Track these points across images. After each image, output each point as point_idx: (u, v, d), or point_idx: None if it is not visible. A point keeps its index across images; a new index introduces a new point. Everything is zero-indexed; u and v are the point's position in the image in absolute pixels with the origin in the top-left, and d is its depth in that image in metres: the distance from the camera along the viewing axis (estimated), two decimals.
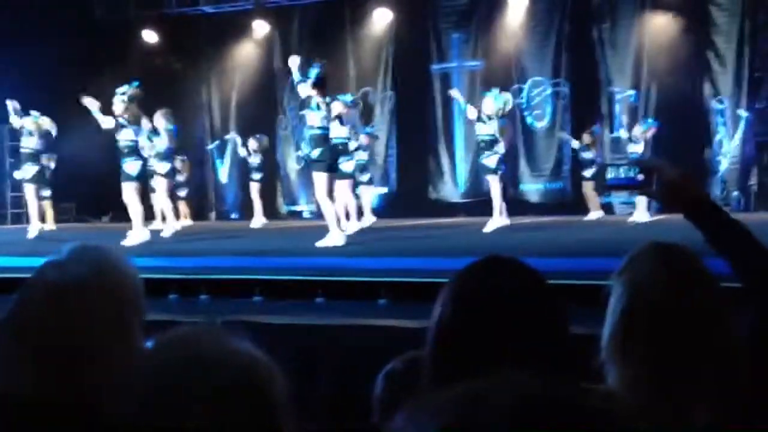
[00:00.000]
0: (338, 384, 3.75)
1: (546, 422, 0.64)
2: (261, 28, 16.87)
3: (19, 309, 1.39)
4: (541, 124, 15.50)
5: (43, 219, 11.92)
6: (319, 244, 7.98)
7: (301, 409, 1.00)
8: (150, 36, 17.28)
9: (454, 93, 12.16)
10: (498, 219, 10.29)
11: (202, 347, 0.93)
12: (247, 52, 17.28)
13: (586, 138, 13.68)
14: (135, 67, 16.45)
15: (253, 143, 14.13)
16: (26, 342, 1.36)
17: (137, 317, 1.44)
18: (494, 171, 10.43)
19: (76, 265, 1.41)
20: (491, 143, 10.40)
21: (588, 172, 13.48)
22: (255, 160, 14.08)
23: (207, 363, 0.91)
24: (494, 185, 10.44)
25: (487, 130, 10.45)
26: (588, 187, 13.49)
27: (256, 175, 13.99)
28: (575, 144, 13.88)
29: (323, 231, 8.22)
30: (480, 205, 13.79)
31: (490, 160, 10.41)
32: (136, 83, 9.45)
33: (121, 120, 9.15)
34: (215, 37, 17.20)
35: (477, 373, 0.73)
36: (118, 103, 9.16)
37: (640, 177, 1.66)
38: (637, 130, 12.35)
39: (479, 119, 10.53)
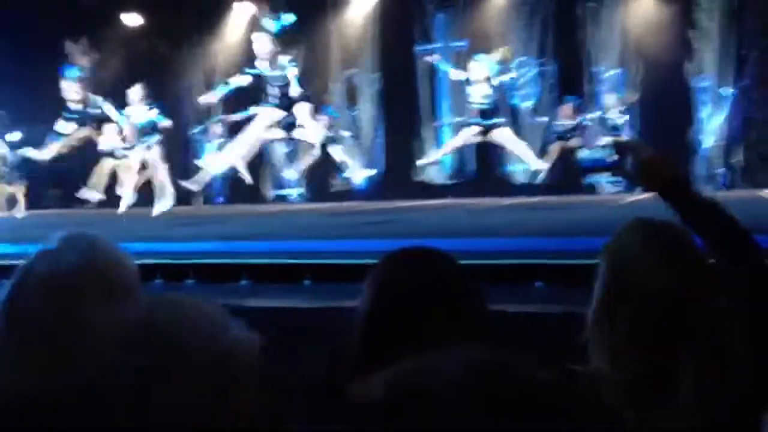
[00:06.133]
0: (327, 367, 3.76)
1: (496, 389, 0.66)
2: (244, 9, 16.73)
3: (10, 300, 1.36)
4: (527, 105, 15.48)
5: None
6: None
7: (290, 392, 1.01)
8: (133, 19, 17.11)
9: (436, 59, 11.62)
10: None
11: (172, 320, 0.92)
12: (230, 35, 17.14)
13: (566, 110, 13.50)
14: (118, 51, 16.30)
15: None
16: (18, 334, 1.34)
17: (133, 306, 1.40)
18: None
19: (68, 254, 1.39)
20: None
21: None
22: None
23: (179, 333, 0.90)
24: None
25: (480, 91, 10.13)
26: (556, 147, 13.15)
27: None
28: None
29: (311, 214, 8.24)
30: (466, 187, 13.80)
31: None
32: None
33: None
34: (199, 20, 17.05)
35: (404, 355, 0.78)
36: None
37: (613, 158, 1.68)
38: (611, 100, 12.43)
39: (469, 82, 10.26)
